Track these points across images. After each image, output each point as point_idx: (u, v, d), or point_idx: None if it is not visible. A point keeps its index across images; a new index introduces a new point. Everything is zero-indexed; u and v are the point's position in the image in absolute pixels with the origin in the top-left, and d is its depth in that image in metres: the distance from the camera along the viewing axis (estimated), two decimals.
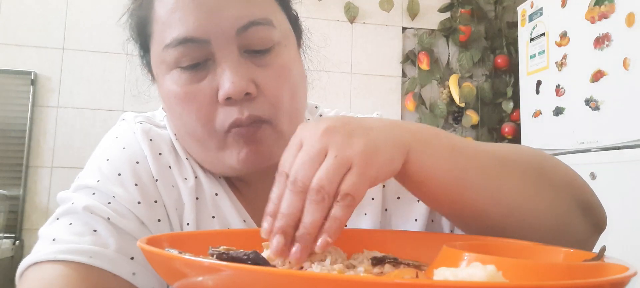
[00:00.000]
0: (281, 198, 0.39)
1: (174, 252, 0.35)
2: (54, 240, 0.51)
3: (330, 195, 0.38)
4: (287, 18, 0.62)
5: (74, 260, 0.49)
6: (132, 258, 0.52)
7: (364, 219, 0.64)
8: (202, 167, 0.62)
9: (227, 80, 0.53)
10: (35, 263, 0.50)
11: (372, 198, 0.64)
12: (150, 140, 0.61)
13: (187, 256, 0.32)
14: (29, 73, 2.43)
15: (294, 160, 0.40)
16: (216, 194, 0.61)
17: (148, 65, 0.63)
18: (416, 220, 0.63)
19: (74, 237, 0.51)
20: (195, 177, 0.61)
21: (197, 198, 0.60)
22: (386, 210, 0.65)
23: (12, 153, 2.39)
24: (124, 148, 0.60)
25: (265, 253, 0.39)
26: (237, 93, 0.53)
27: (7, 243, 2.25)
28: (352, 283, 0.26)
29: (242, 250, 0.37)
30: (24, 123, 2.41)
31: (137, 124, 0.63)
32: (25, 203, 2.39)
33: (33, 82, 2.43)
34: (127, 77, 2.54)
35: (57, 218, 0.54)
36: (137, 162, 0.59)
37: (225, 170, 0.59)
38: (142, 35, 0.60)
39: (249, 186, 0.64)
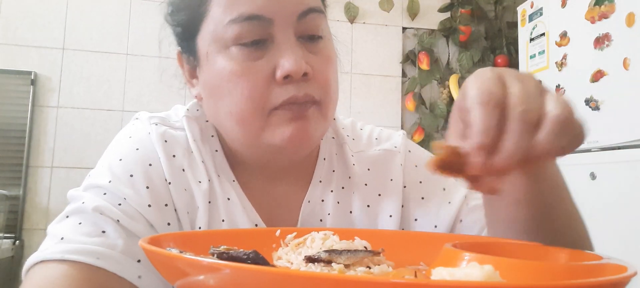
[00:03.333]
0: (493, 128, 0.37)
1: (175, 251, 0.35)
2: (62, 238, 0.51)
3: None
4: None
5: (81, 260, 0.49)
6: (138, 261, 0.53)
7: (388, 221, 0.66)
8: (216, 171, 0.62)
9: (288, 59, 0.55)
10: (42, 261, 0.50)
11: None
12: (165, 141, 0.61)
13: (187, 255, 0.33)
14: (29, 73, 2.43)
15: (505, 91, 0.38)
16: (228, 199, 0.61)
17: (190, 49, 0.62)
18: (436, 226, 0.66)
19: (82, 237, 0.51)
20: (209, 180, 0.61)
21: (209, 202, 0.60)
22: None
23: (12, 153, 2.39)
24: (137, 149, 0.60)
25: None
26: (297, 72, 0.55)
27: (7, 243, 2.25)
28: (352, 283, 0.26)
29: (242, 250, 0.37)
30: (24, 123, 2.41)
31: (152, 125, 0.63)
32: (25, 203, 2.39)
33: (33, 82, 2.43)
34: (128, 77, 2.54)
35: (67, 217, 0.55)
36: (150, 164, 0.59)
37: (265, 150, 0.60)
38: (194, 14, 0.60)
39: (262, 189, 0.65)
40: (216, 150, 0.64)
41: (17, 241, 2.31)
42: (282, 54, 0.56)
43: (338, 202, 0.66)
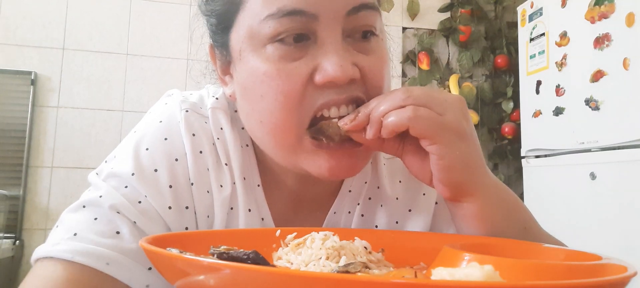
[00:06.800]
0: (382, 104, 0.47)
1: (175, 251, 0.35)
2: (75, 235, 0.49)
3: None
4: None
5: (90, 265, 0.48)
6: (149, 268, 0.51)
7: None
8: (242, 172, 0.58)
9: (332, 63, 0.48)
10: (51, 257, 0.48)
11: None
12: (193, 135, 0.57)
13: (187, 255, 0.33)
14: (29, 73, 2.43)
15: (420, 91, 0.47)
16: (249, 210, 0.58)
17: (223, 43, 0.57)
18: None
19: (95, 236, 0.49)
20: (233, 184, 0.58)
21: (231, 208, 0.58)
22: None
23: (12, 153, 2.39)
24: (165, 138, 0.56)
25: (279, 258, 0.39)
26: (342, 78, 0.49)
27: (7, 243, 2.25)
28: (352, 283, 0.26)
29: (242, 250, 0.37)
30: (24, 123, 2.41)
31: (182, 112, 0.58)
32: (25, 203, 2.38)
33: (33, 82, 2.43)
34: (128, 77, 2.54)
35: (84, 207, 0.52)
36: (177, 159, 0.56)
37: (300, 170, 0.55)
38: (229, 5, 0.54)
39: (287, 196, 0.62)
40: (247, 145, 0.59)
41: (17, 241, 2.31)
42: (325, 54, 0.49)
43: (362, 215, 0.63)
